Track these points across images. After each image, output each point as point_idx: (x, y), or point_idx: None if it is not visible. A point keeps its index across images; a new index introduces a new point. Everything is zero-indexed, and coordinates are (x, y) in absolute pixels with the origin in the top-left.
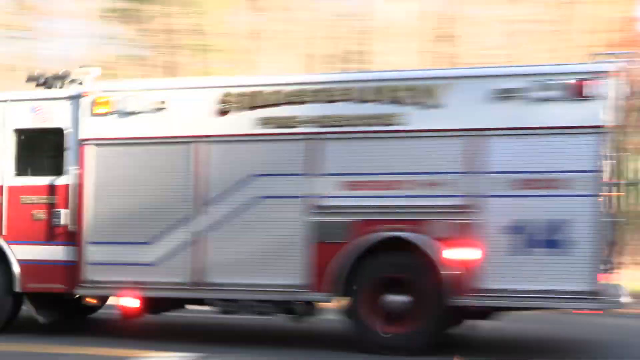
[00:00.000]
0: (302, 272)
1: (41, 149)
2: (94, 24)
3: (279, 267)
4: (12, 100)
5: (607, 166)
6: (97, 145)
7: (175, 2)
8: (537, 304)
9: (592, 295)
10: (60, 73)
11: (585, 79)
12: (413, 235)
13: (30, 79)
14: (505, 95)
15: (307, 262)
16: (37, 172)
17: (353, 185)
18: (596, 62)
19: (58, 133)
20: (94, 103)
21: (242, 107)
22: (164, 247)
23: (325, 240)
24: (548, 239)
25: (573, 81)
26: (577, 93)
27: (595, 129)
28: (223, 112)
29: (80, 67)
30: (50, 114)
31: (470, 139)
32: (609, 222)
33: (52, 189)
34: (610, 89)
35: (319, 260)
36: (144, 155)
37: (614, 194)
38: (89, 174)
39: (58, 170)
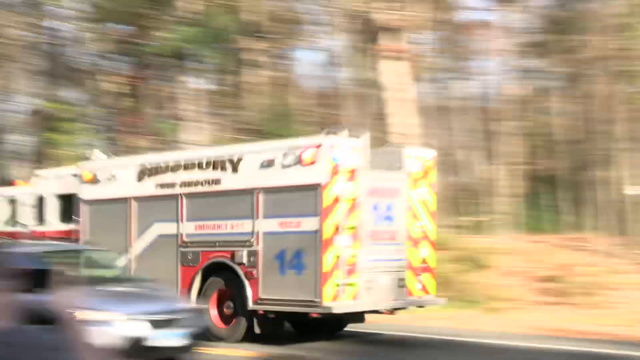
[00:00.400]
0: (177, 287)
1: None
2: (511, 59)
3: (168, 283)
4: None
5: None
6: (87, 203)
7: (600, 29)
8: (291, 309)
9: (317, 302)
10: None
11: (304, 150)
12: (230, 261)
13: None
14: (268, 164)
15: (179, 280)
16: None
17: (200, 227)
18: (313, 136)
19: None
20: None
21: (149, 176)
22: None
23: (187, 265)
24: (294, 262)
25: (299, 152)
26: (301, 160)
27: (314, 186)
28: (140, 180)
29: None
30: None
31: (252, 194)
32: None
33: None
34: (323, 156)
35: (184, 278)
36: (107, 208)
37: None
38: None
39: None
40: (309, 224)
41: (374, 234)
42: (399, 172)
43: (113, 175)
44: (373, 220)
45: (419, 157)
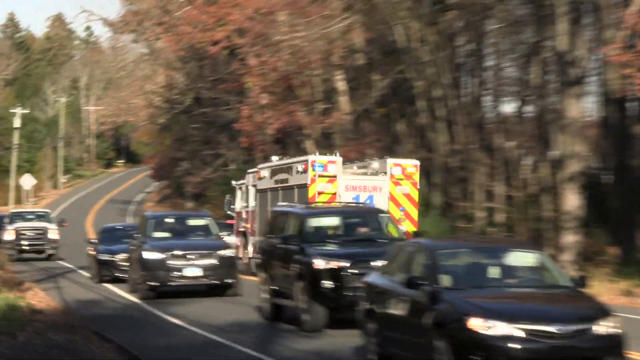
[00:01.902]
0: None
1: None
2: None
3: None
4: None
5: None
6: (258, 192)
7: None
8: None
9: None
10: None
11: (304, 163)
12: None
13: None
14: (297, 171)
15: None
16: None
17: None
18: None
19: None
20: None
21: (271, 176)
22: None
23: None
24: None
25: (303, 165)
26: (303, 170)
27: (305, 185)
28: (270, 178)
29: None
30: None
31: (293, 189)
32: None
33: None
34: (309, 168)
35: None
36: (263, 195)
37: None
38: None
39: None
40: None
41: None
42: (382, 176)
43: (265, 175)
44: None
45: (403, 165)
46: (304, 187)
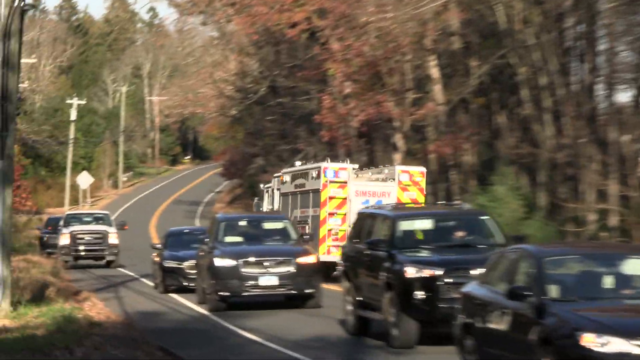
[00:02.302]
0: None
1: None
2: None
3: None
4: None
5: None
6: (281, 195)
7: None
8: None
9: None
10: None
11: (317, 170)
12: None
13: None
14: (312, 177)
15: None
16: None
17: (301, 212)
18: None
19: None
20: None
21: (291, 181)
22: None
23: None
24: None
25: (317, 171)
26: (317, 176)
27: (318, 190)
28: (291, 182)
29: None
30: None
31: (309, 194)
32: None
33: None
34: (322, 174)
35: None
36: (285, 199)
37: None
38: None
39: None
40: (317, 211)
41: None
42: (391, 182)
43: (287, 179)
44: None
45: (410, 172)
46: (317, 192)
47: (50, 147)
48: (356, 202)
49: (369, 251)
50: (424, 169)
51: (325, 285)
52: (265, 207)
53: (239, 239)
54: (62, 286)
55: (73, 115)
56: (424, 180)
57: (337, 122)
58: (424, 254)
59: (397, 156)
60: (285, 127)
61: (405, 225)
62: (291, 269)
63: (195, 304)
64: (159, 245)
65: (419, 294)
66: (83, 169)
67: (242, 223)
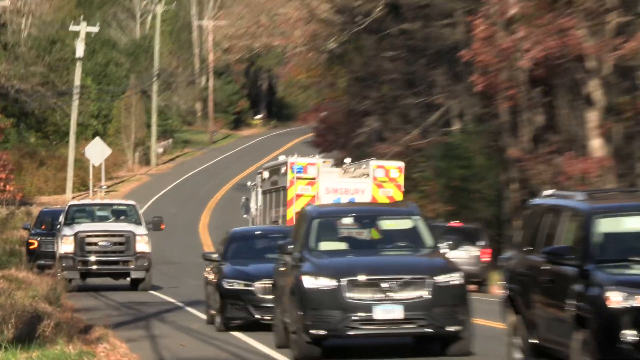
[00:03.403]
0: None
1: None
2: None
3: None
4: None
5: None
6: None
7: None
8: None
9: None
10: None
11: (286, 165)
12: None
13: None
14: (282, 173)
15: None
16: None
17: (273, 211)
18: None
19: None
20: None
21: (268, 178)
22: None
23: None
24: None
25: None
26: (285, 172)
27: (284, 188)
28: (263, 180)
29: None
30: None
31: (279, 191)
32: None
33: None
34: (289, 170)
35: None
36: (266, 197)
37: None
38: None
39: None
40: (282, 210)
41: None
42: (365, 178)
43: (266, 176)
44: None
45: (386, 167)
46: (285, 190)
47: (44, 101)
48: (327, 201)
49: (548, 266)
50: (401, 164)
51: None
52: (253, 208)
53: (341, 245)
54: (64, 319)
55: (79, 50)
56: (402, 176)
57: (496, 61)
58: (638, 271)
59: (592, 115)
60: (413, 70)
61: (607, 225)
62: (425, 293)
63: (272, 349)
64: (216, 256)
65: (630, 335)
66: (95, 135)
67: (347, 220)
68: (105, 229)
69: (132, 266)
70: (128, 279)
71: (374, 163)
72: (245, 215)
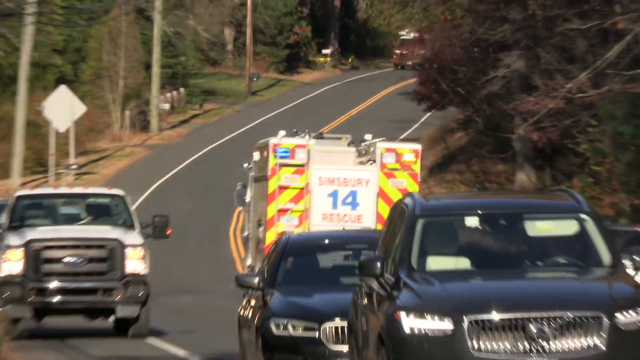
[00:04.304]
0: None
1: None
2: None
3: None
4: None
5: None
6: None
7: None
8: None
9: None
10: None
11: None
12: None
13: None
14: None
15: None
16: None
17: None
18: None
19: None
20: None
21: (257, 160)
22: None
23: None
24: None
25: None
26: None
27: (265, 177)
28: (254, 163)
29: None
30: None
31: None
32: None
33: None
34: (270, 154)
35: None
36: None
37: None
38: None
39: None
40: (263, 206)
41: (329, 217)
42: (370, 165)
43: (257, 158)
44: (329, 205)
45: (398, 150)
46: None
47: None
48: (320, 195)
49: None
50: (418, 146)
51: None
52: (249, 198)
53: (463, 262)
54: None
55: None
56: (419, 162)
57: None
58: None
59: None
60: None
61: None
62: (599, 342)
63: None
64: (257, 280)
65: None
66: (59, 83)
67: (471, 220)
68: (74, 237)
69: (118, 297)
70: (112, 318)
71: (382, 145)
72: (240, 208)
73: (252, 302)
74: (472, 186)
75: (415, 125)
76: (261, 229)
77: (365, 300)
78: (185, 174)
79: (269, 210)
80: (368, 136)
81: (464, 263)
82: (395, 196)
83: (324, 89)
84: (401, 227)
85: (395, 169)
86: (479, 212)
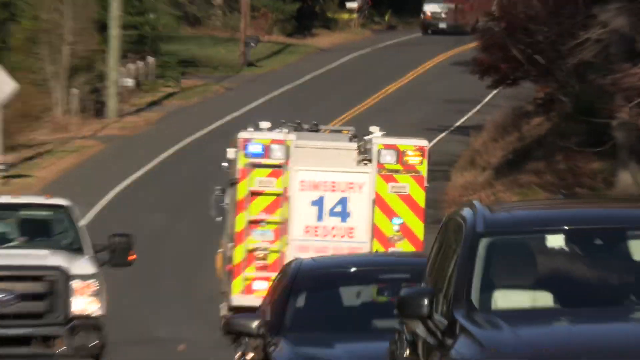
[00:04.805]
0: None
1: None
2: None
3: None
4: None
5: None
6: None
7: None
8: None
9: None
10: None
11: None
12: None
13: None
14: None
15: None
16: None
17: None
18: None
19: None
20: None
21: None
22: None
23: None
24: None
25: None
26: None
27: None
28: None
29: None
30: None
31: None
32: None
33: None
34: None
35: None
36: None
37: None
38: None
39: None
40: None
41: (314, 230)
42: (364, 166)
43: (232, 157)
44: (313, 216)
45: (399, 147)
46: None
47: None
48: (302, 203)
49: None
50: (424, 142)
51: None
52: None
53: (542, 298)
54: None
55: None
56: (425, 162)
57: None
58: None
59: None
60: None
61: None
62: None
63: None
64: (255, 325)
65: None
66: None
67: (555, 240)
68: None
69: (61, 349)
70: None
71: (379, 141)
72: (217, 219)
73: (249, 357)
74: (559, 192)
75: (477, 108)
76: (230, 245)
77: (408, 352)
78: (154, 178)
79: (237, 222)
80: (374, 128)
81: (544, 299)
82: (396, 204)
83: (348, 57)
84: (457, 250)
85: (396, 171)
86: (566, 227)
